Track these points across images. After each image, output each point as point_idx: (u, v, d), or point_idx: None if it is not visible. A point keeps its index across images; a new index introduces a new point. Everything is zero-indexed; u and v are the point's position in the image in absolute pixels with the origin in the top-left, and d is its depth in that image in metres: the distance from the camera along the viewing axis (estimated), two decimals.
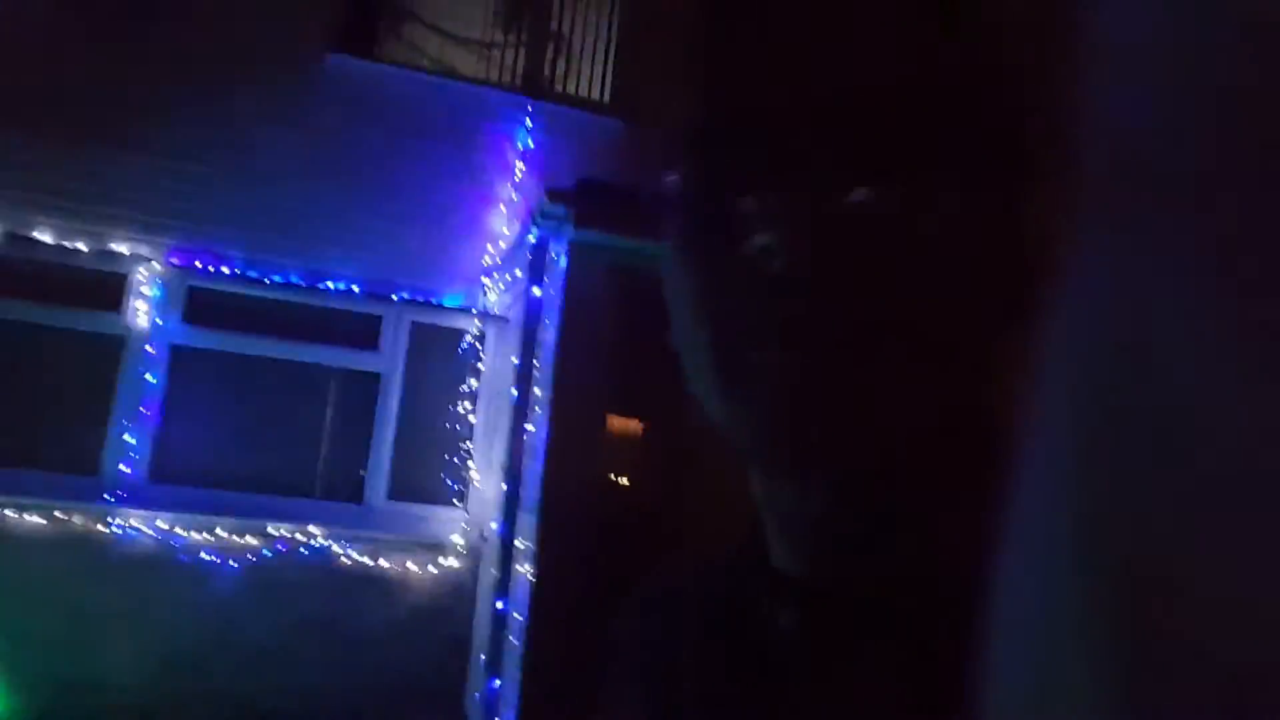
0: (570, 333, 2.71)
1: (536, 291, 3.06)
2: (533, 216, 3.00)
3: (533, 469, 2.83)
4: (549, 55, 4.86)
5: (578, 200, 2.78)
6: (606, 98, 4.76)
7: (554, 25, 4.87)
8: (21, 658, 2.93)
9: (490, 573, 3.66)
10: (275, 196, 4.23)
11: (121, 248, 4.18)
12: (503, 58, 4.82)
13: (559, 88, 4.78)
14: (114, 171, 4.07)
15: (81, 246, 4.12)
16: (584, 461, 2.72)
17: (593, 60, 4.85)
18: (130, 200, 4.12)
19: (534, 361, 3.01)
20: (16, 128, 3.93)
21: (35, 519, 3.90)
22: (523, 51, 4.86)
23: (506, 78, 4.75)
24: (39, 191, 4.02)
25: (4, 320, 4.03)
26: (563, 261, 2.84)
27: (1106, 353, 0.20)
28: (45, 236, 4.09)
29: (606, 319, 2.74)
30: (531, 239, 3.05)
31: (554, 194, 2.87)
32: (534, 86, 4.70)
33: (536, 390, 2.99)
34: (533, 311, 3.06)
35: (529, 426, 3.00)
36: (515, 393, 3.13)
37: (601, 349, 2.75)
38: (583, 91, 4.77)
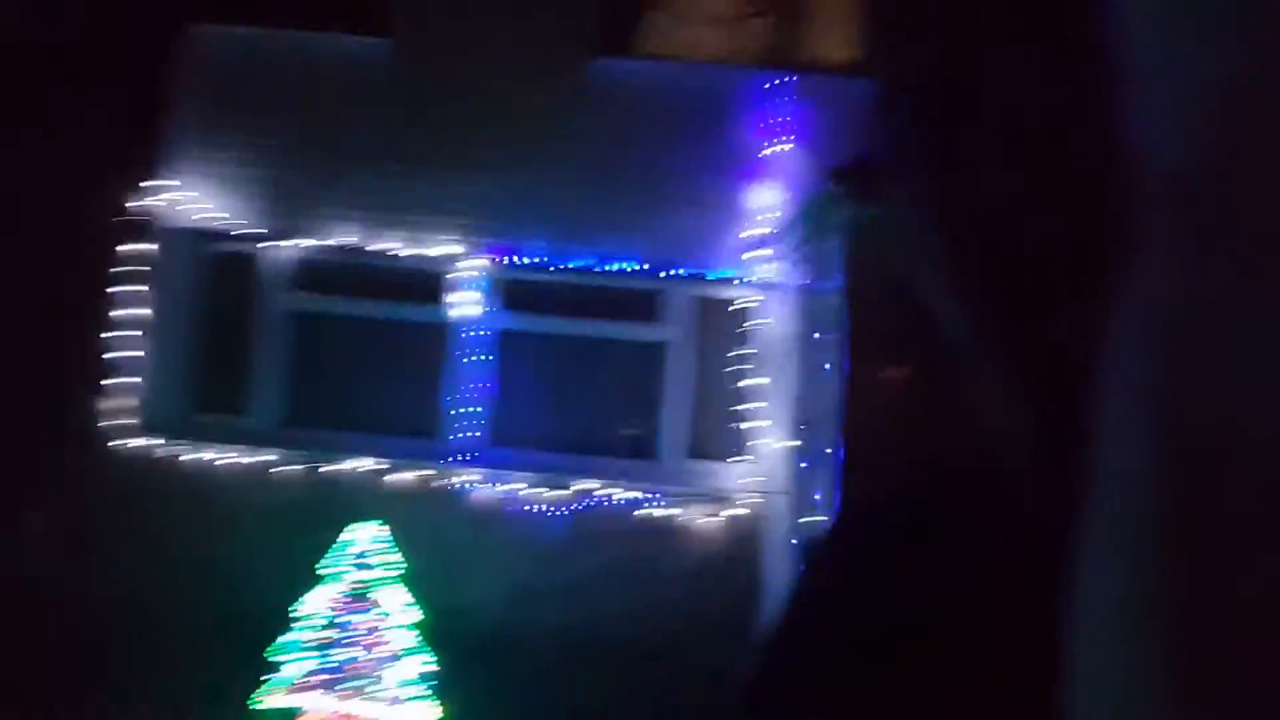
0: (855, 299, 2.93)
1: (815, 261, 3.31)
2: (807, 191, 3.24)
3: (824, 424, 3.10)
4: (796, 22, 4.99)
5: (852, 180, 2.97)
6: (858, 58, 4.81)
7: None
8: (410, 587, 3.68)
9: (781, 521, 3.98)
10: (563, 195, 4.79)
11: (448, 249, 4.94)
12: (752, 33, 5.03)
13: (810, 55, 4.90)
14: (438, 189, 4.83)
15: (417, 250, 4.93)
16: (874, 415, 2.94)
17: (841, 21, 4.91)
18: (452, 211, 4.87)
19: (816, 325, 3.28)
20: (360, 166, 4.81)
21: (404, 476, 4.79)
22: (770, 23, 5.03)
23: (758, 52, 4.96)
24: (381, 211, 4.88)
25: (363, 317, 4.98)
26: (840, 234, 3.06)
27: (1182, 356, 0.20)
28: (390, 245, 4.94)
29: (887, 285, 2.91)
30: (807, 212, 3.29)
31: (830, 172, 3.08)
32: (785, 57, 4.87)
33: (820, 351, 3.25)
34: (812, 280, 3.32)
35: (815, 385, 3.28)
36: (800, 354, 3.42)
37: (884, 313, 2.93)
38: (834, 55, 4.86)
